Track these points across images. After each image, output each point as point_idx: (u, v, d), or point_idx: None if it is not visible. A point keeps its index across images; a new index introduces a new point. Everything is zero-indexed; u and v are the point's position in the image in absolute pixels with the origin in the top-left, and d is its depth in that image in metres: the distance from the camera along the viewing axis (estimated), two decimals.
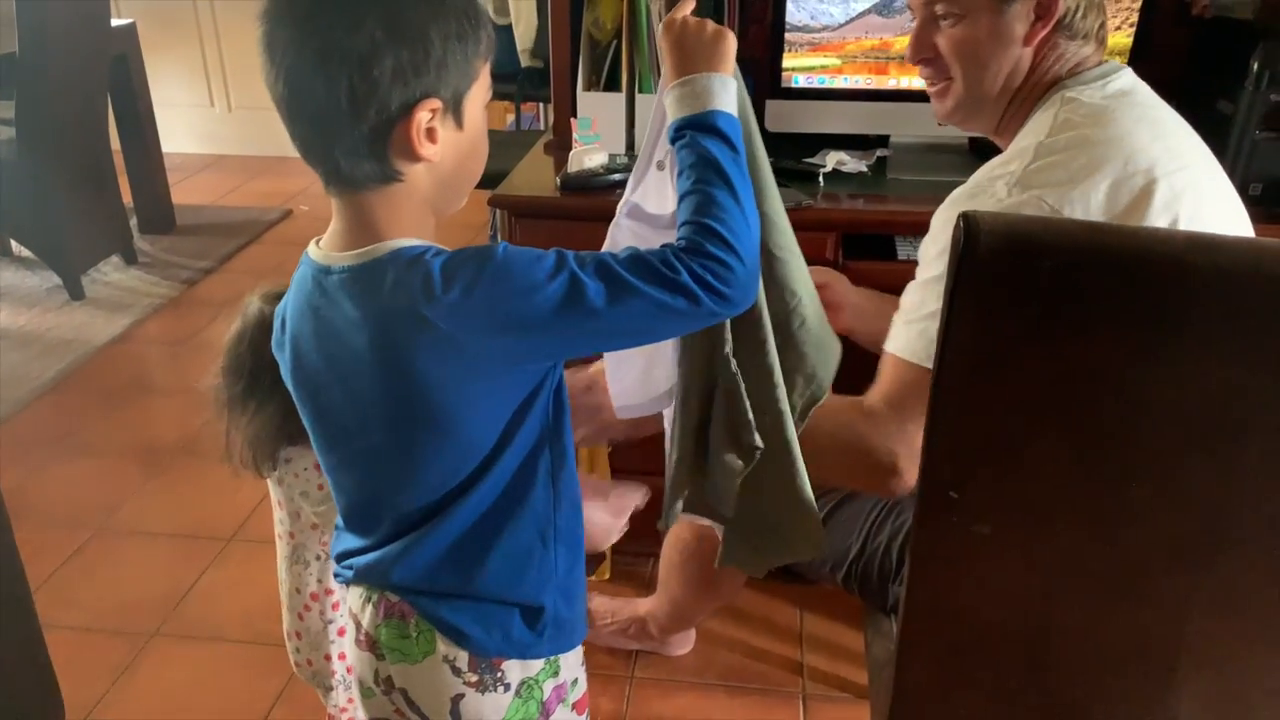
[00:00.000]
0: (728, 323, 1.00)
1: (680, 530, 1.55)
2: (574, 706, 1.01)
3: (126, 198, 3.55)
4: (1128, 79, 1.10)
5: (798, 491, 1.05)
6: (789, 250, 1.05)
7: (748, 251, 0.83)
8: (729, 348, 1.00)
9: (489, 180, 1.79)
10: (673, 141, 0.90)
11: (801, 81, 1.78)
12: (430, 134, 0.79)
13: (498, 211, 1.74)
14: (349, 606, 0.96)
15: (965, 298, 0.81)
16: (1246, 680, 0.94)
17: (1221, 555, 0.87)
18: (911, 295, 1.08)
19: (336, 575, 0.98)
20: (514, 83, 3.31)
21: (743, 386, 1.00)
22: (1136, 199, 0.96)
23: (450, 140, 0.81)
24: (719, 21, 1.84)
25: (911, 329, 1.05)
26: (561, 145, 1.87)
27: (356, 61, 0.75)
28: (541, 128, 3.76)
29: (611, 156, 1.75)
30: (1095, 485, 0.86)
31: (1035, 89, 1.12)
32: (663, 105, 0.94)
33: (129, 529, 2.14)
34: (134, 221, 3.61)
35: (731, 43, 0.93)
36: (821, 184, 1.73)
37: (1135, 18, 1.69)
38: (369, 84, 0.75)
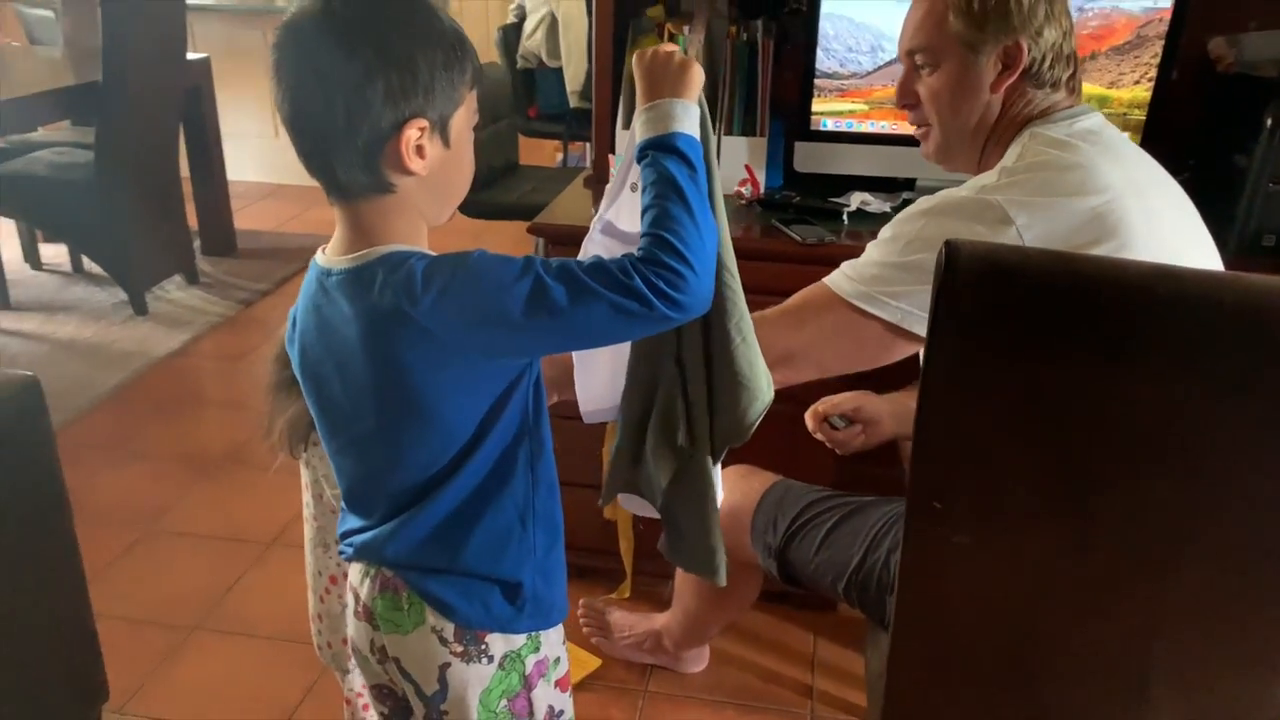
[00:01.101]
0: (675, 333, 1.09)
1: None
2: (556, 684, 1.07)
3: (192, 221, 3.74)
4: (1095, 120, 1.18)
5: (705, 515, 1.14)
6: (731, 271, 1.09)
7: (700, 262, 0.89)
8: (674, 352, 1.09)
9: (533, 211, 1.90)
10: (638, 161, 0.97)
11: (830, 125, 1.87)
12: (419, 150, 0.88)
13: (540, 240, 1.83)
14: (350, 581, 1.04)
15: (946, 318, 0.88)
16: (1217, 697, 0.97)
17: (1184, 572, 0.92)
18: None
19: (340, 552, 1.06)
20: (563, 123, 3.44)
21: (680, 389, 1.10)
22: (1088, 221, 1.05)
23: (438, 156, 0.90)
24: (754, 68, 1.95)
25: (843, 269, 1.19)
26: (600, 179, 1.97)
27: (351, 84, 0.84)
28: (587, 165, 3.88)
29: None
30: (1064, 500, 0.92)
31: (1008, 130, 1.20)
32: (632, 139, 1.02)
33: (177, 530, 2.25)
34: (197, 244, 3.79)
35: (696, 73, 0.99)
36: (845, 222, 1.81)
37: (1154, 73, 1.75)
38: (363, 104, 0.84)
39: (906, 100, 1.26)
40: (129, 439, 2.63)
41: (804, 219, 1.82)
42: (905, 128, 1.84)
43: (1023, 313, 0.86)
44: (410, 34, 0.87)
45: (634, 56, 1.03)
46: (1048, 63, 1.18)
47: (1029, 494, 0.93)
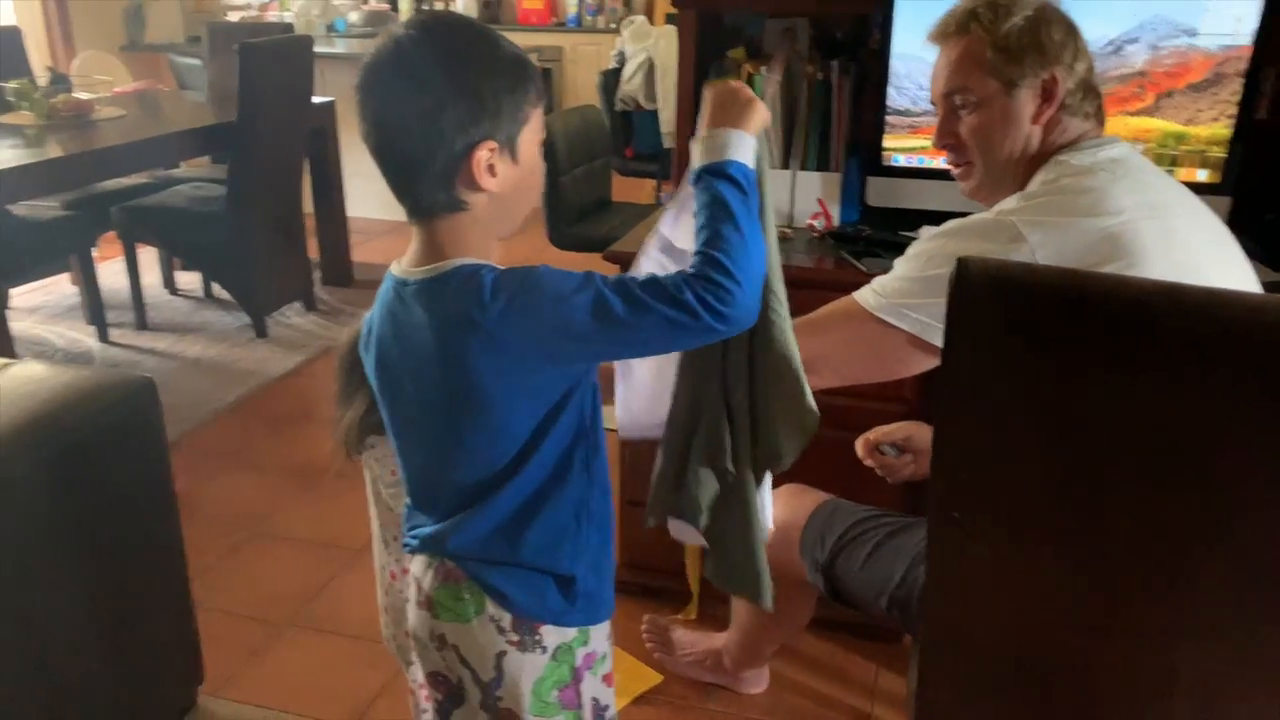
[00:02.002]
0: (720, 358, 1.16)
1: None
2: (603, 678, 1.13)
3: (313, 253, 3.99)
4: (1121, 149, 1.21)
5: (750, 540, 1.19)
6: (780, 299, 1.15)
7: (747, 279, 0.96)
8: (719, 377, 1.15)
9: (604, 242, 1.99)
10: (693, 184, 1.04)
11: (901, 160, 1.91)
12: (490, 169, 0.97)
13: (618, 267, 1.93)
14: (413, 572, 1.13)
15: (958, 332, 0.92)
16: (1242, 714, 0.97)
17: (1203, 585, 0.92)
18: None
19: (405, 545, 1.15)
20: (658, 162, 3.56)
21: (726, 415, 1.16)
22: (1099, 241, 1.08)
23: (508, 173, 0.99)
24: (829, 106, 2.01)
25: (870, 284, 1.26)
26: None
27: (426, 115, 0.93)
28: None
29: None
30: (1079, 512, 0.94)
31: (1041, 159, 1.24)
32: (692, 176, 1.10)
33: (278, 534, 2.41)
34: (317, 274, 4.04)
35: (760, 109, 1.07)
36: None
37: (1234, 110, 1.74)
38: (437, 132, 0.94)
39: (946, 140, 1.30)
40: (242, 449, 2.83)
41: (873, 251, 1.86)
42: (926, 163, 1.88)
43: (1031, 327, 0.89)
44: (474, 64, 0.96)
45: (706, 86, 1.11)
46: (1080, 94, 1.23)
47: (1044, 506, 0.95)
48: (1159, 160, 1.79)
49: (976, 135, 1.25)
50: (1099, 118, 1.26)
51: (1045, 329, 0.89)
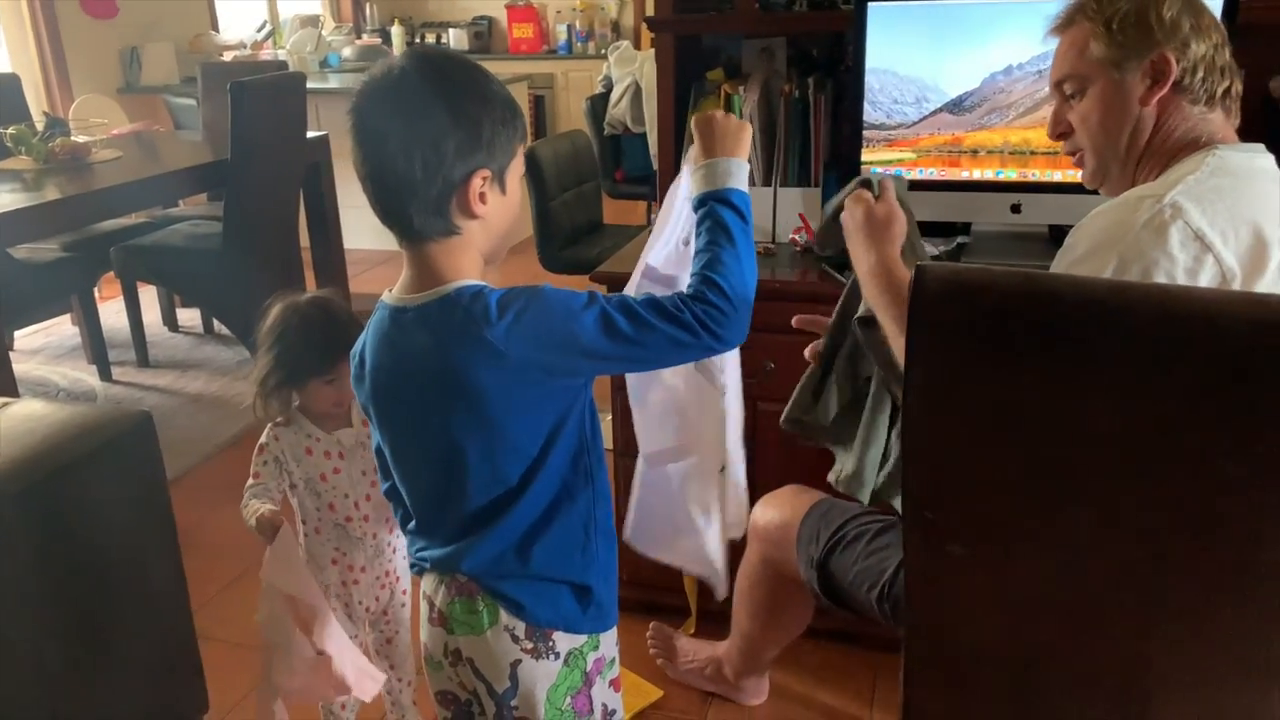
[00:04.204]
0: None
1: (749, 556, 1.68)
2: (611, 684, 1.16)
3: (311, 286, 4.02)
4: (1272, 162, 1.18)
5: (865, 447, 1.34)
6: None
7: (742, 302, 1.02)
8: (859, 314, 1.30)
9: (595, 264, 2.03)
10: (695, 209, 1.10)
11: (879, 174, 1.94)
12: (482, 197, 1.01)
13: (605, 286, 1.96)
14: (423, 590, 1.15)
15: (920, 334, 0.94)
16: (1214, 702, 0.98)
17: (1169, 580, 0.94)
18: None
19: (412, 566, 1.17)
20: (648, 184, 3.60)
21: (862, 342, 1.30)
22: (1261, 256, 1.06)
23: (496, 202, 1.03)
24: (807, 122, 2.05)
25: None
26: None
27: (429, 142, 0.98)
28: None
29: None
30: (1045, 509, 0.96)
31: (1168, 148, 1.19)
32: (683, 192, 1.14)
33: None
34: None
35: (749, 133, 1.13)
36: None
37: None
38: (438, 158, 0.98)
39: (1059, 129, 1.28)
40: (243, 483, 2.84)
41: None
42: (953, 174, 1.91)
43: (988, 328, 0.92)
44: (474, 97, 1.01)
45: (693, 119, 1.16)
46: (1199, 74, 1.17)
47: (1013, 504, 0.98)
48: None
49: (1084, 122, 1.23)
50: (1225, 106, 1.20)
51: (1005, 331, 0.91)
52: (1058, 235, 1.96)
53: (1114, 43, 1.17)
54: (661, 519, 1.37)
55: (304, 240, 3.94)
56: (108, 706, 1.59)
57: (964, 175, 1.90)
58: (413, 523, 1.15)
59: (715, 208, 1.07)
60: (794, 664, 1.95)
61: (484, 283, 1.04)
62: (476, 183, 1.00)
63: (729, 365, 1.32)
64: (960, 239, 1.98)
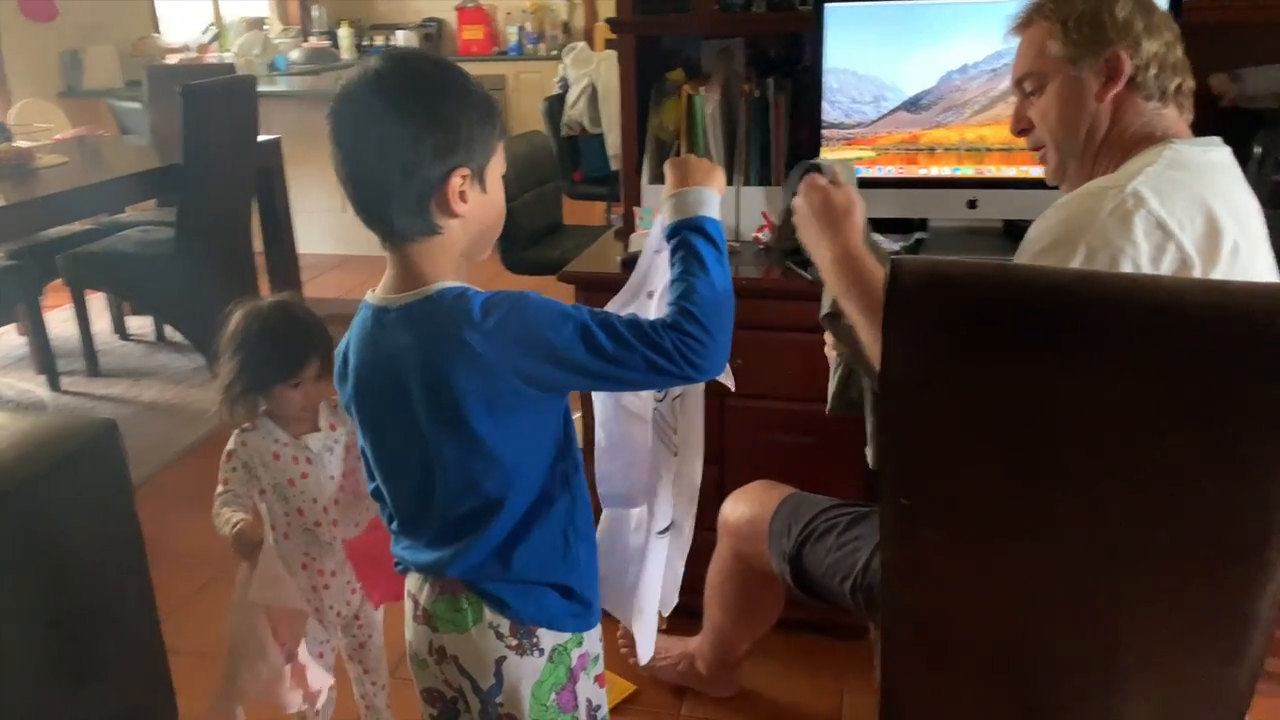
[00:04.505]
0: None
1: (720, 551, 1.70)
2: (595, 679, 1.17)
3: (265, 291, 3.98)
4: (1227, 155, 1.22)
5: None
6: None
7: (719, 332, 1.03)
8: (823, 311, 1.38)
9: (558, 264, 2.04)
10: (668, 239, 1.10)
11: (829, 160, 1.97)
12: (462, 195, 1.02)
13: (573, 287, 1.97)
14: (407, 588, 1.16)
15: (895, 327, 0.97)
16: (1185, 680, 1.03)
17: (1140, 559, 0.98)
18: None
19: (397, 565, 1.18)
20: (607, 184, 3.61)
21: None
22: (1215, 241, 1.09)
23: (477, 200, 1.04)
24: (767, 122, 2.07)
25: None
26: (629, 230, 2.11)
27: (407, 142, 0.98)
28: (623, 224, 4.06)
29: None
30: (1021, 494, 0.99)
31: (1124, 143, 1.23)
32: (653, 243, 1.15)
33: None
34: None
35: (721, 173, 1.15)
36: None
37: None
38: (415, 158, 0.98)
39: (1021, 125, 1.32)
40: (205, 490, 2.76)
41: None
42: (911, 171, 1.95)
43: (962, 319, 0.95)
44: (450, 96, 1.01)
45: (668, 160, 1.17)
46: (1152, 71, 1.21)
47: (988, 488, 1.01)
48: None
49: (1044, 118, 1.27)
50: (1178, 101, 1.24)
51: (980, 321, 0.95)
52: (1012, 230, 2.02)
53: (1070, 41, 1.22)
54: (613, 564, 1.37)
55: (257, 245, 3.90)
56: (77, 718, 1.56)
57: (921, 172, 1.94)
58: (396, 523, 1.15)
59: (688, 236, 1.08)
60: (765, 656, 1.97)
61: (467, 285, 1.04)
62: (456, 182, 1.00)
63: (687, 421, 1.31)
64: (918, 235, 2.02)
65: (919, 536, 1.06)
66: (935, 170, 1.93)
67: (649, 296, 1.21)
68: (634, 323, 1.01)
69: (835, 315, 1.35)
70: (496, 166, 1.06)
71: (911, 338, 0.98)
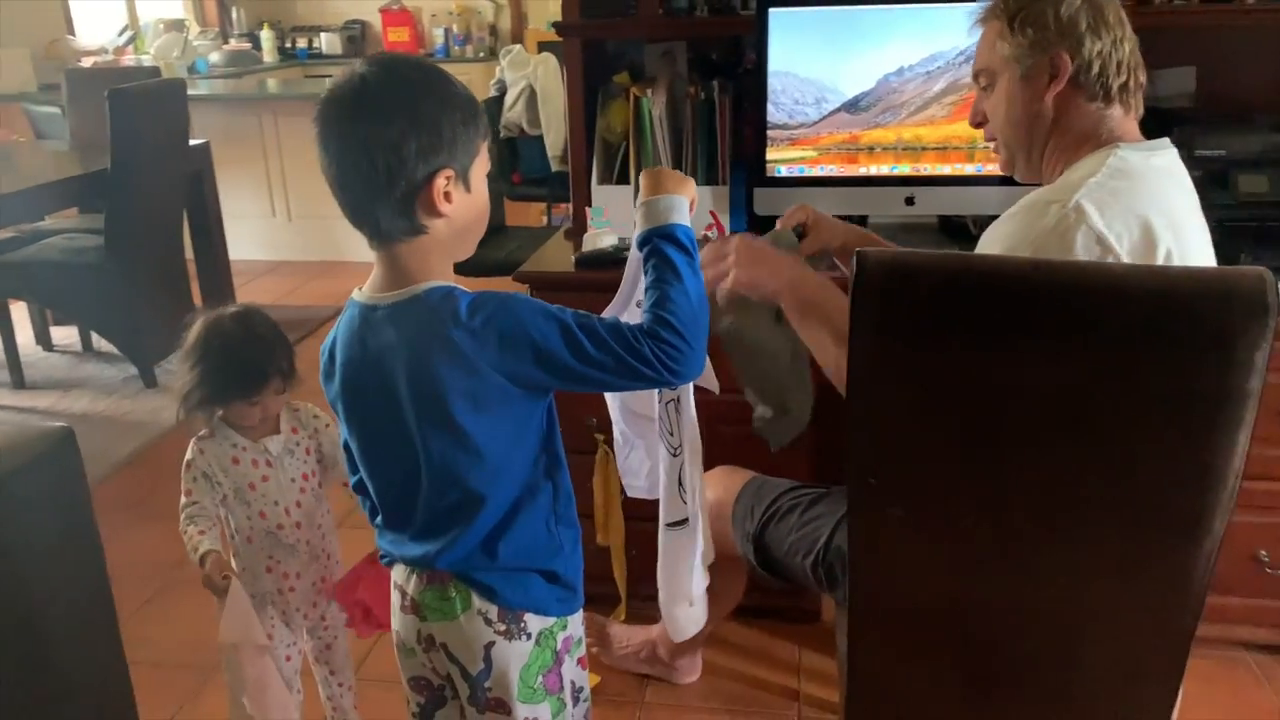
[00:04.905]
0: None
1: None
2: (579, 661, 1.22)
3: (197, 299, 3.90)
4: (1170, 158, 1.26)
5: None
6: None
7: (695, 337, 1.07)
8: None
9: (519, 266, 2.06)
10: (640, 246, 1.14)
11: (784, 171, 2.04)
12: (447, 196, 1.04)
13: (528, 286, 2.00)
14: (394, 580, 1.18)
15: (861, 314, 1.03)
16: (1131, 641, 1.11)
17: (1089, 529, 1.05)
18: None
19: (382, 557, 1.20)
20: (546, 186, 3.64)
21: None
22: (1150, 249, 1.16)
23: (461, 200, 1.06)
24: (713, 123, 2.13)
25: None
26: (579, 230, 2.14)
27: (390, 146, 1.00)
28: (570, 222, 4.09)
29: (621, 239, 2.01)
30: (979, 470, 1.06)
31: (1068, 142, 1.28)
32: (636, 258, 1.19)
33: (194, 580, 2.36)
34: None
35: (692, 183, 1.19)
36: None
37: None
38: (400, 160, 1.01)
39: (977, 119, 1.38)
40: (145, 500, 2.76)
41: None
42: (852, 170, 2.03)
43: (923, 307, 1.01)
44: (433, 98, 1.03)
45: (643, 171, 1.20)
46: (1094, 71, 1.24)
47: (949, 466, 1.08)
48: None
49: (995, 113, 1.32)
50: (1124, 101, 1.27)
51: (940, 308, 1.01)
52: (947, 225, 2.12)
53: (1015, 40, 1.27)
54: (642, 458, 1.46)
55: (187, 252, 3.82)
56: None
57: (861, 171, 2.02)
58: (380, 517, 1.18)
59: (659, 244, 1.11)
60: (724, 643, 2.03)
61: (455, 285, 1.07)
62: (440, 182, 1.03)
63: (681, 426, 1.36)
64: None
65: (884, 514, 1.12)
66: (874, 169, 2.01)
67: (638, 306, 1.25)
68: (616, 328, 1.05)
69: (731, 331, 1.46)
70: (480, 166, 1.09)
71: (876, 323, 1.03)
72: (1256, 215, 1.81)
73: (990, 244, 1.23)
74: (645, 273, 1.11)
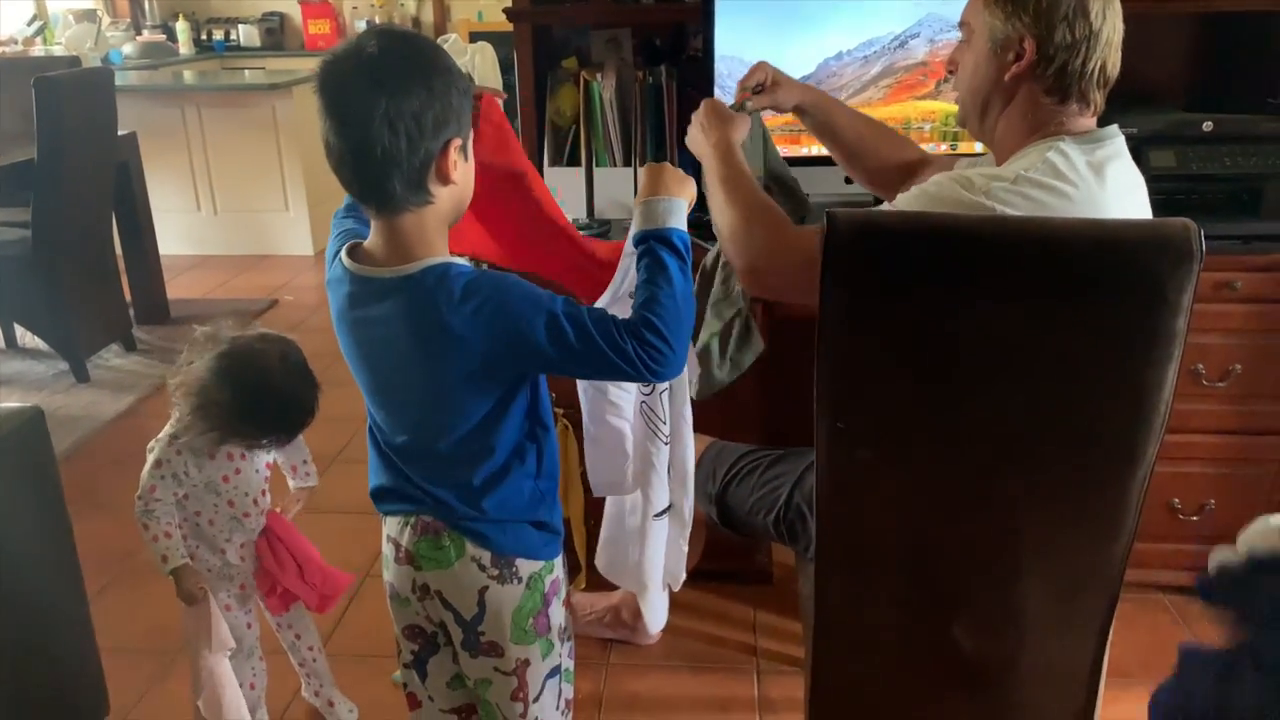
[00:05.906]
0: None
1: None
2: (563, 603, 1.28)
3: (126, 293, 3.83)
4: (1111, 151, 1.25)
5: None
6: None
7: (678, 341, 1.12)
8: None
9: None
10: (635, 245, 1.19)
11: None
12: (454, 165, 1.09)
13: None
14: (387, 533, 1.23)
15: (831, 272, 1.11)
16: (1073, 562, 1.22)
17: (1035, 459, 1.16)
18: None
19: (381, 508, 1.24)
20: None
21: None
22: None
23: (464, 169, 1.12)
24: (660, 107, 2.20)
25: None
26: None
27: (412, 116, 1.03)
28: None
29: (573, 220, 2.07)
30: (939, 412, 1.16)
31: (1019, 128, 1.29)
32: (631, 254, 1.24)
33: (147, 569, 2.36)
34: (132, 313, 3.88)
35: (693, 185, 1.25)
36: None
37: None
38: (420, 130, 1.04)
39: (950, 67, 1.39)
40: (91, 493, 2.72)
41: (714, 235, 2.07)
42: (795, 151, 2.13)
43: (887, 261, 1.11)
44: (441, 70, 1.07)
45: (647, 165, 1.26)
46: (1054, 67, 1.24)
47: (912, 409, 1.17)
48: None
49: (962, 68, 1.35)
50: (1085, 98, 1.26)
51: (900, 263, 1.10)
52: (881, 203, 2.23)
53: (994, 12, 1.27)
54: (618, 543, 1.53)
55: (117, 247, 3.75)
56: (9, 711, 1.54)
57: (804, 151, 2.12)
58: (385, 457, 1.22)
59: (654, 246, 1.16)
60: (683, 605, 2.11)
61: (451, 260, 1.11)
62: (452, 152, 1.08)
63: (675, 412, 1.43)
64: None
65: (853, 456, 1.21)
66: (816, 149, 2.11)
67: (630, 297, 1.31)
68: (601, 321, 1.09)
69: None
70: (471, 138, 1.14)
71: (845, 278, 1.12)
72: (1165, 189, 1.96)
73: (911, 200, 1.24)
74: (638, 271, 1.16)
